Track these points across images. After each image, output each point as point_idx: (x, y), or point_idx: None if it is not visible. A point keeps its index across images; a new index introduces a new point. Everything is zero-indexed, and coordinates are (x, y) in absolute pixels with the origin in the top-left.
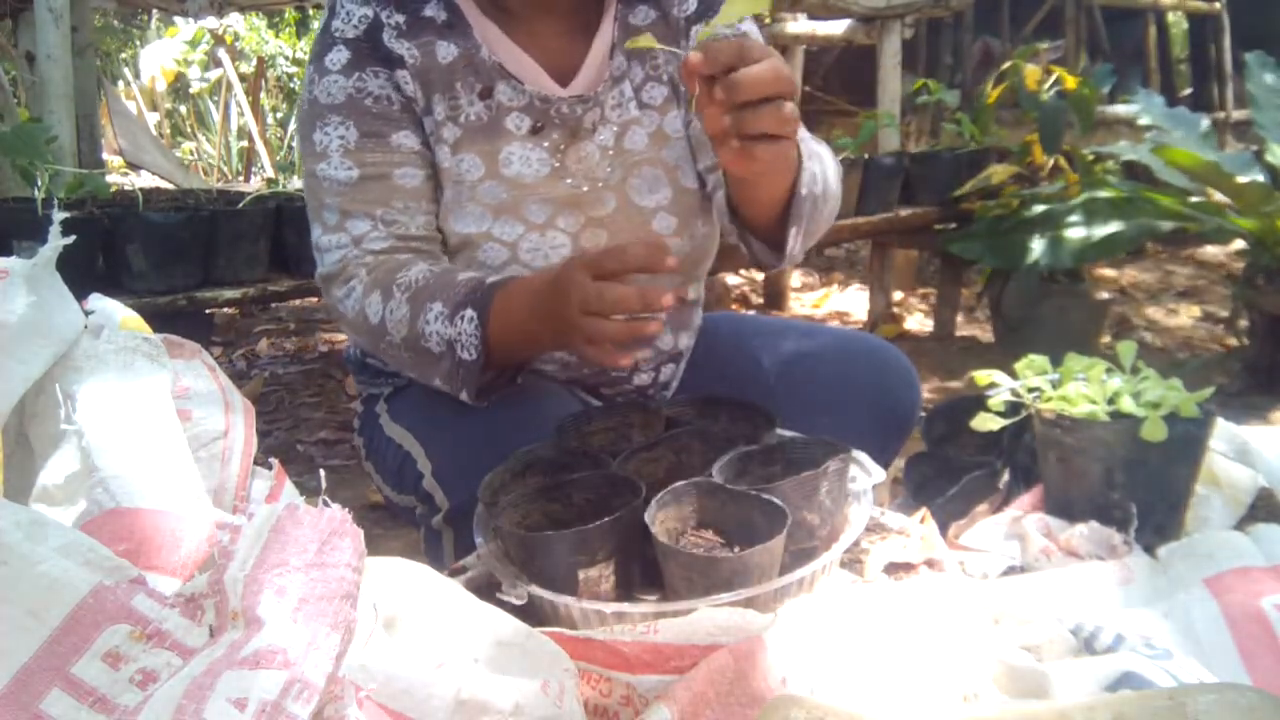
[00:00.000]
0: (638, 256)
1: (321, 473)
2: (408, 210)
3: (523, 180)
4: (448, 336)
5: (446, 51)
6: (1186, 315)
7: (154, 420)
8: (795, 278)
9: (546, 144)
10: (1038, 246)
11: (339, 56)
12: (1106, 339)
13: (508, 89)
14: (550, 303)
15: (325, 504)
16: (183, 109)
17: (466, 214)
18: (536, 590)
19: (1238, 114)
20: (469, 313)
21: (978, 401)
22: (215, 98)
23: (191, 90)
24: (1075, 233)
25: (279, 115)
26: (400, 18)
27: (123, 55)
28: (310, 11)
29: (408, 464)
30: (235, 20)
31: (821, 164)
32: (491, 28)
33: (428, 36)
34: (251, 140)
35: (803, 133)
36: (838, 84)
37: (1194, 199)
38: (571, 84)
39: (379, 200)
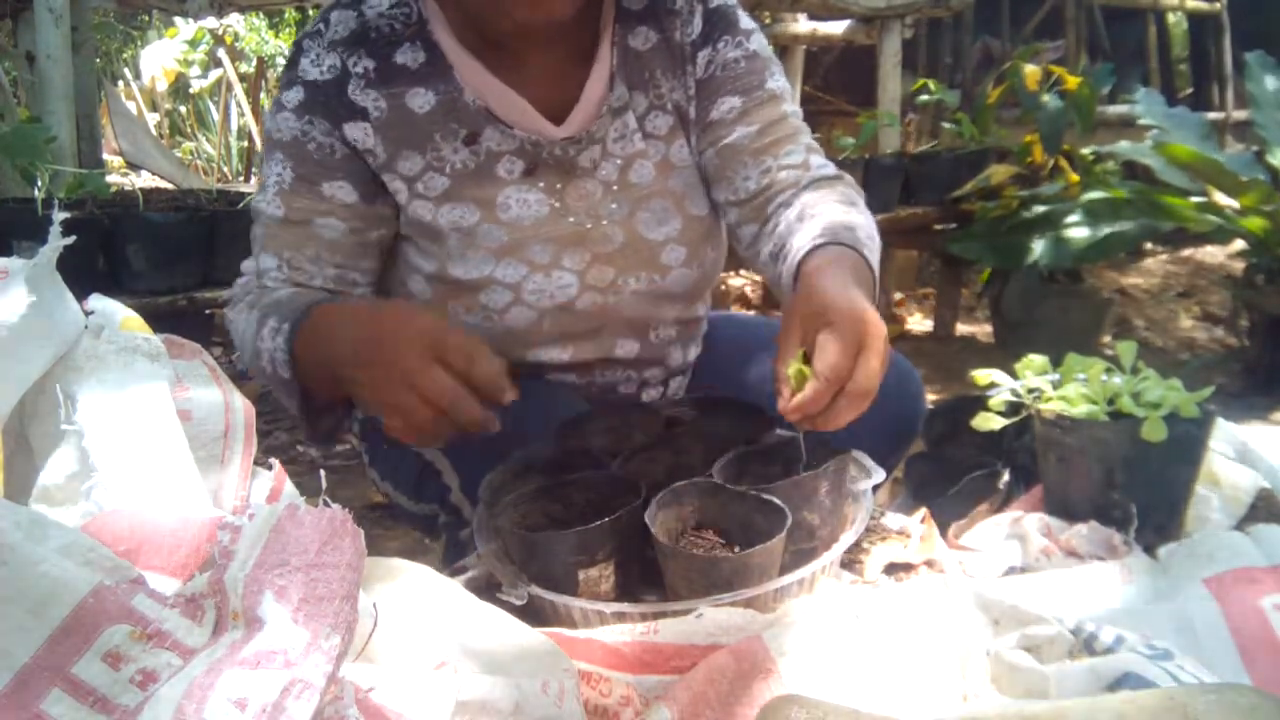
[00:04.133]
0: (485, 375)
1: (322, 473)
2: (317, 261)
3: (522, 223)
4: (269, 350)
5: (423, 100)
6: (1186, 315)
7: (154, 420)
8: None
9: (542, 184)
10: (1038, 246)
11: (295, 96)
12: (1106, 339)
13: (495, 134)
14: (376, 347)
15: (325, 504)
16: (183, 109)
17: (468, 260)
18: (536, 590)
19: (1238, 114)
20: (284, 326)
21: (978, 401)
22: (215, 98)
23: (191, 90)
24: (1075, 233)
25: None
26: (369, 63)
27: (123, 55)
28: (310, 11)
29: (429, 474)
30: (235, 20)
31: (865, 229)
32: (476, 67)
33: (399, 86)
34: (251, 140)
35: (845, 194)
36: (838, 84)
37: (1194, 199)
38: (568, 119)
39: (292, 245)
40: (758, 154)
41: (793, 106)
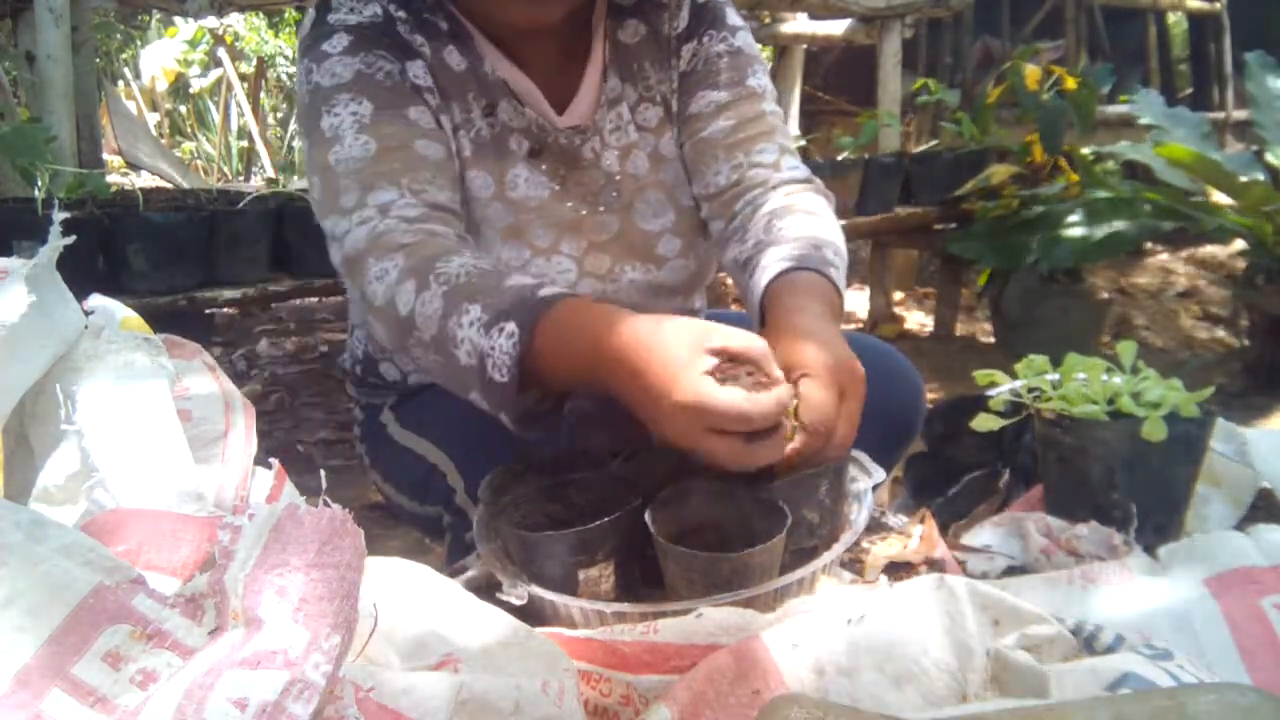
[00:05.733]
0: (764, 420)
1: (322, 473)
2: (435, 181)
3: (528, 203)
4: (480, 348)
5: (458, 60)
6: (1186, 315)
7: (154, 420)
8: None
9: (545, 167)
10: (1038, 246)
11: (340, 41)
12: (1106, 339)
13: (509, 108)
14: (650, 378)
15: (325, 504)
16: (183, 109)
17: (479, 236)
18: (536, 590)
19: (1238, 114)
20: (509, 326)
21: (978, 401)
22: (215, 98)
23: (191, 90)
24: (1075, 233)
25: (279, 115)
26: (405, 13)
27: (123, 55)
28: (311, 12)
29: (434, 477)
30: (235, 20)
31: (833, 245)
32: (489, 45)
33: (437, 40)
34: (251, 140)
35: (813, 202)
36: (838, 84)
37: (1194, 199)
38: (568, 111)
39: (404, 169)
40: (730, 149)
41: (773, 106)
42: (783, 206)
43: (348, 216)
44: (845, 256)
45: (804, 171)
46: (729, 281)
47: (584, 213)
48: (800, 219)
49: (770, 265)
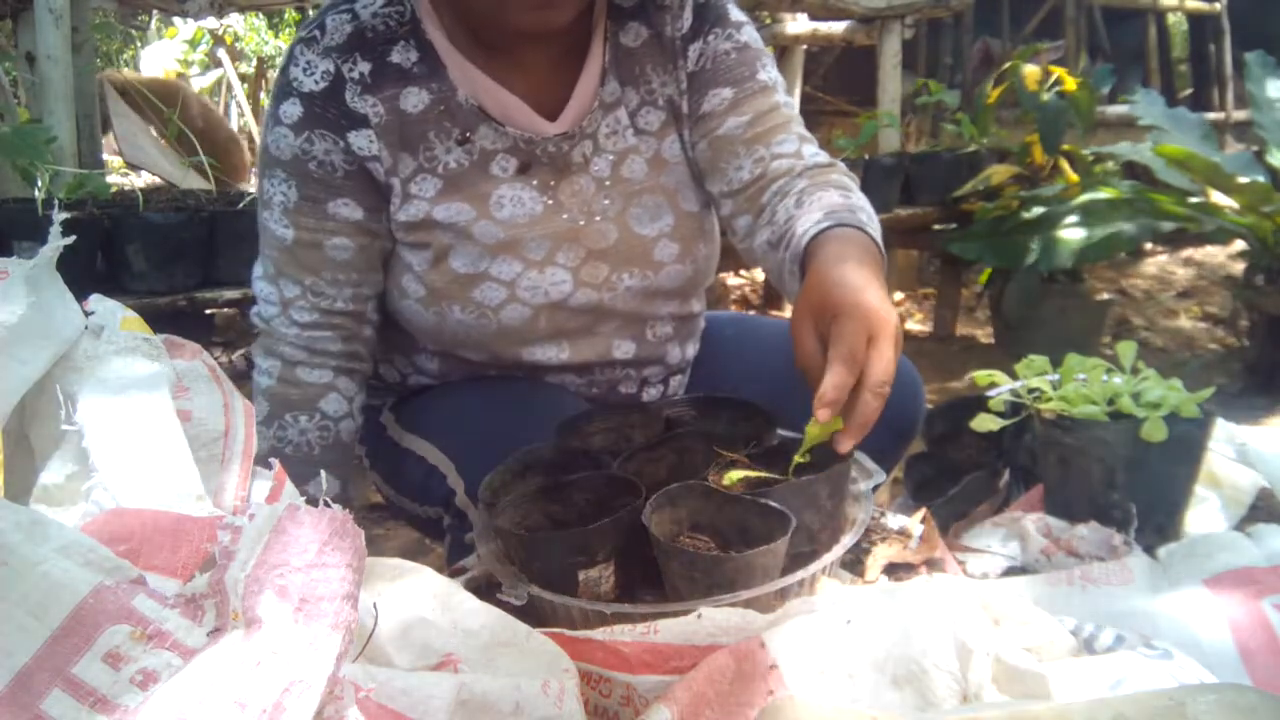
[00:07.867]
0: None
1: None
2: (335, 283)
3: (516, 221)
4: (284, 441)
5: (417, 100)
6: (1186, 315)
7: (154, 420)
8: None
9: (535, 182)
10: (1037, 247)
11: (292, 110)
12: (1106, 339)
13: (489, 132)
14: None
15: (325, 504)
16: None
17: (463, 254)
18: (536, 590)
19: (1238, 115)
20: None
21: (978, 401)
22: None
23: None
24: (1075, 233)
25: None
26: (365, 67)
27: (123, 55)
28: (310, 12)
29: (434, 478)
30: (235, 20)
31: (865, 210)
32: (469, 67)
33: (392, 88)
34: (252, 140)
35: (840, 181)
36: (838, 84)
37: (1194, 199)
38: (561, 115)
39: (310, 268)
40: (750, 143)
41: (785, 97)
42: (811, 185)
43: (264, 281)
44: (878, 222)
45: (825, 157)
46: (728, 283)
47: (581, 223)
48: (830, 193)
49: (806, 231)
